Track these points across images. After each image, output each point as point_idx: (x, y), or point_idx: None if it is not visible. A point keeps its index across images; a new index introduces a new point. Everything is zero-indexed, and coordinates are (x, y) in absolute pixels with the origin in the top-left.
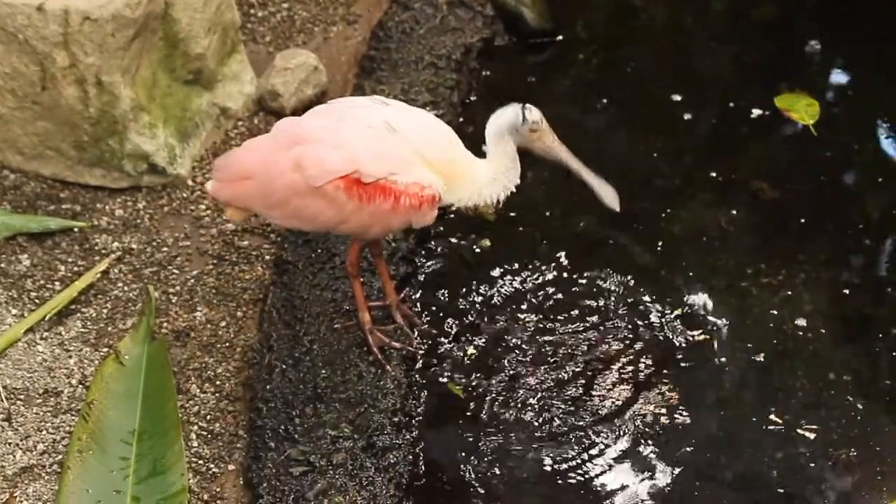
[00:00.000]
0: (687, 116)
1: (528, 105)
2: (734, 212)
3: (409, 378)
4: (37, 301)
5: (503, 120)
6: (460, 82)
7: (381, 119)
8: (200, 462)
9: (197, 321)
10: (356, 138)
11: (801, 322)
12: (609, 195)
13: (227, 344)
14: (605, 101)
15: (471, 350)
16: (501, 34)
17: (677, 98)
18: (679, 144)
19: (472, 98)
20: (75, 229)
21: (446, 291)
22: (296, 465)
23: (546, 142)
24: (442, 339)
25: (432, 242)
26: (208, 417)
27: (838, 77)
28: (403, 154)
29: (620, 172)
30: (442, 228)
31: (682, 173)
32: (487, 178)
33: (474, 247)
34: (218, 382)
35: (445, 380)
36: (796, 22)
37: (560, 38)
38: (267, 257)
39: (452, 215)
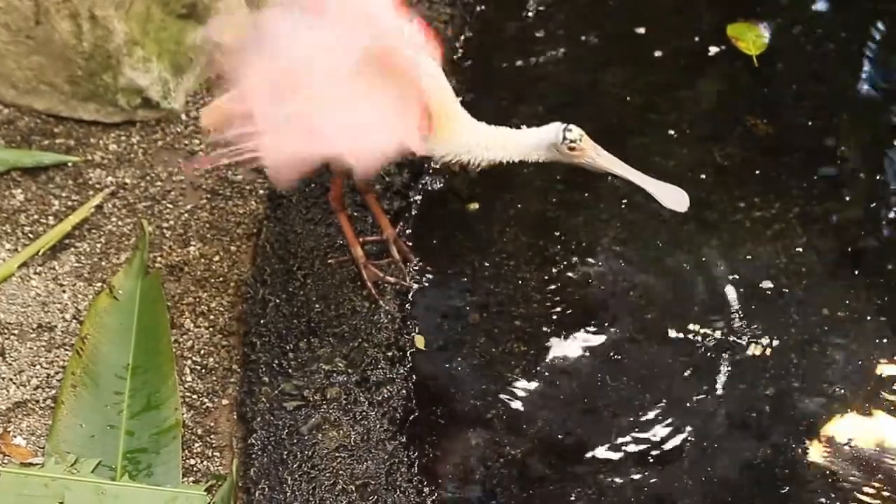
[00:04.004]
0: (682, 49)
1: (569, 126)
2: (729, 147)
3: (403, 312)
4: (30, 236)
5: (543, 136)
6: (454, 16)
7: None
8: (194, 396)
9: (191, 255)
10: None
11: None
12: (671, 197)
13: (221, 278)
14: (599, 35)
15: (465, 284)
16: None
17: (673, 32)
18: (674, 78)
19: (466, 34)
20: (69, 164)
21: (441, 226)
22: (289, 399)
23: (588, 158)
24: (436, 274)
25: (427, 177)
26: (202, 352)
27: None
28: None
29: (615, 107)
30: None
31: (678, 107)
32: (484, 142)
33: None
34: (212, 317)
35: (439, 313)
36: None
37: None
38: (261, 191)
39: None
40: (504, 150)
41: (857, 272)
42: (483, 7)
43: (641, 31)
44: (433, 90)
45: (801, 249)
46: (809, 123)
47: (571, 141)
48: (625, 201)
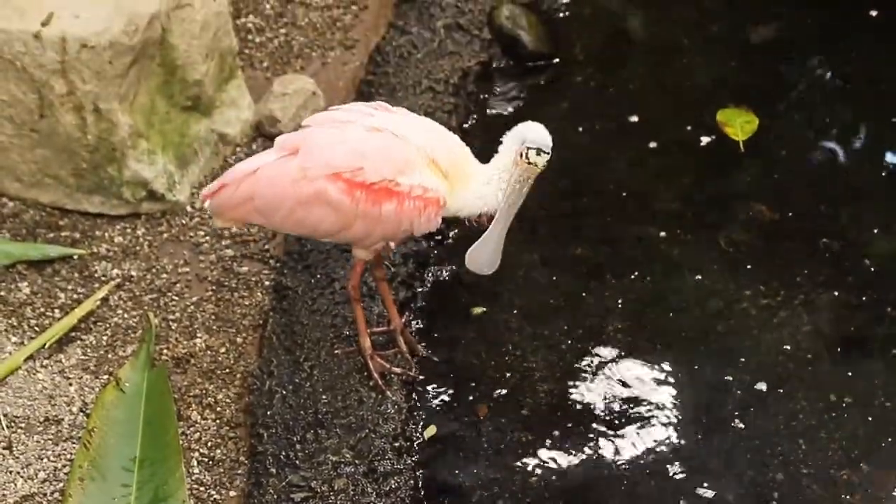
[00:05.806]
0: (683, 137)
1: (548, 149)
2: (733, 234)
3: (410, 403)
4: (37, 329)
5: (526, 131)
6: (458, 106)
7: (384, 124)
8: (202, 489)
9: (197, 348)
10: (359, 140)
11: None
12: (478, 259)
13: (228, 370)
14: (602, 123)
15: (472, 374)
16: (499, 58)
17: (674, 119)
18: (678, 166)
19: (470, 122)
20: (75, 257)
21: (446, 316)
22: (297, 491)
23: (519, 177)
24: (442, 365)
25: (432, 267)
26: (209, 444)
27: (814, 97)
28: (409, 155)
29: (618, 195)
30: (442, 253)
31: (681, 195)
32: (485, 179)
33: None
34: (219, 409)
35: (446, 405)
36: (795, 43)
37: (557, 60)
38: (266, 283)
39: (451, 240)
40: (496, 162)
41: (863, 358)
42: (486, 96)
43: (634, 119)
44: (436, 146)
45: (806, 336)
46: (813, 209)
47: (535, 155)
48: (619, 300)
